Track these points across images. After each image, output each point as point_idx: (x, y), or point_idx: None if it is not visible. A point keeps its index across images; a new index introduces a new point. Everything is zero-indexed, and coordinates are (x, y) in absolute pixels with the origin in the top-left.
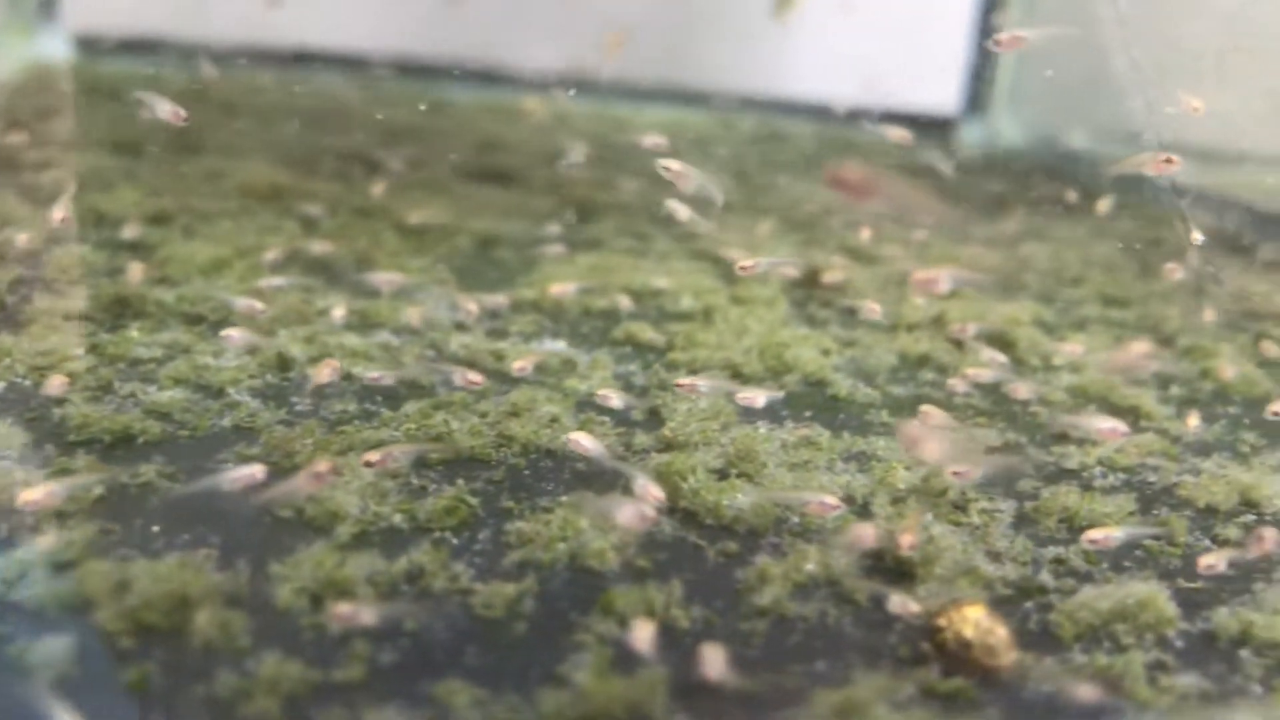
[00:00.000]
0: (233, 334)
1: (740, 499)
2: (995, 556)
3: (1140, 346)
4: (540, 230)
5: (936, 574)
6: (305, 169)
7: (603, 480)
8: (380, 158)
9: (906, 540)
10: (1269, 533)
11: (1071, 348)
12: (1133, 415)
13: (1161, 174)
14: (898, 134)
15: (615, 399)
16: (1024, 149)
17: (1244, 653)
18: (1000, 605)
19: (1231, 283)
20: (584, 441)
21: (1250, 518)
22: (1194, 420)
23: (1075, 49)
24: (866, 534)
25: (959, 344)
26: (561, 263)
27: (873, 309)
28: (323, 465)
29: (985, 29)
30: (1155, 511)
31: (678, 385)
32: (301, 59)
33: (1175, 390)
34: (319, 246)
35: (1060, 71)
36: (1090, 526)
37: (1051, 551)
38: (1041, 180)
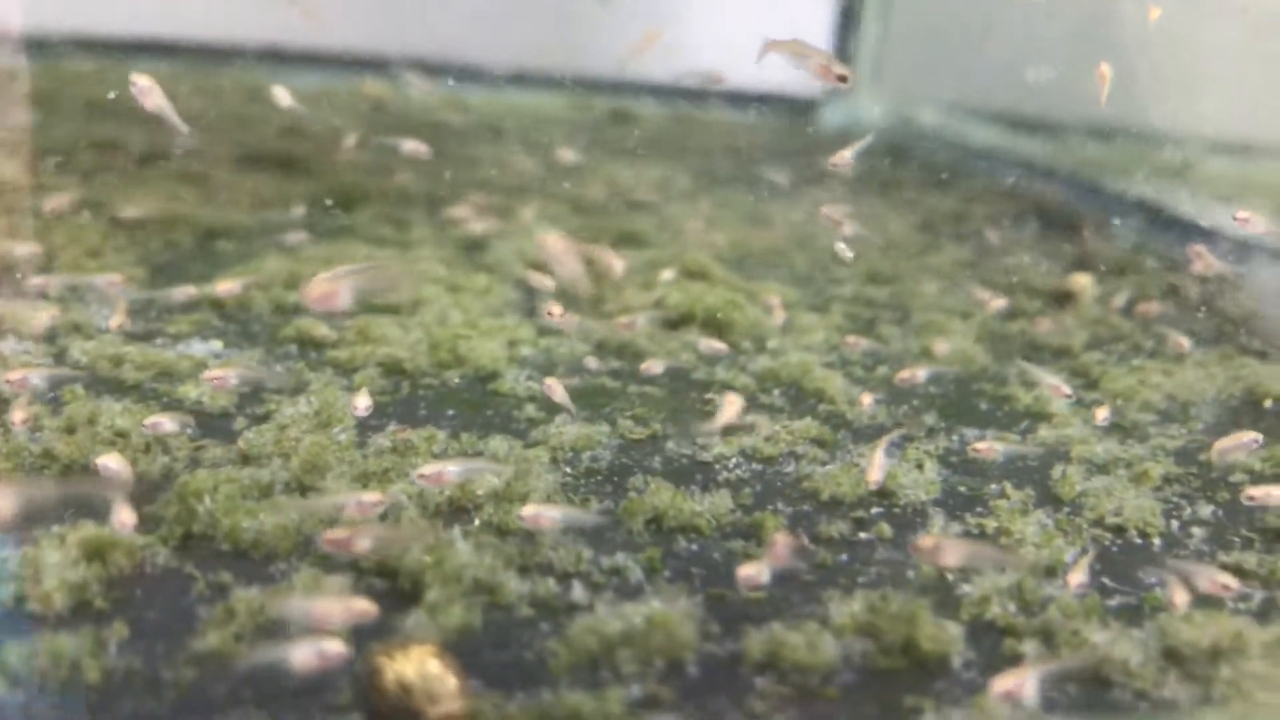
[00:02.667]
0: None
1: (264, 519)
2: (537, 570)
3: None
4: (287, 219)
5: (431, 599)
6: (59, 163)
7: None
8: (154, 147)
9: (330, 537)
10: (781, 538)
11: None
12: (816, 398)
13: (832, 83)
14: None
15: (167, 424)
16: (882, 128)
17: (761, 680)
18: (506, 630)
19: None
20: (111, 464)
21: (877, 510)
22: (867, 399)
23: (932, 30)
24: (333, 611)
25: (673, 327)
26: (288, 255)
27: (551, 311)
28: None
29: (847, 9)
30: (770, 506)
31: (208, 379)
32: (144, 48)
33: (881, 370)
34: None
35: (917, 51)
36: (681, 529)
37: (613, 561)
38: (882, 158)
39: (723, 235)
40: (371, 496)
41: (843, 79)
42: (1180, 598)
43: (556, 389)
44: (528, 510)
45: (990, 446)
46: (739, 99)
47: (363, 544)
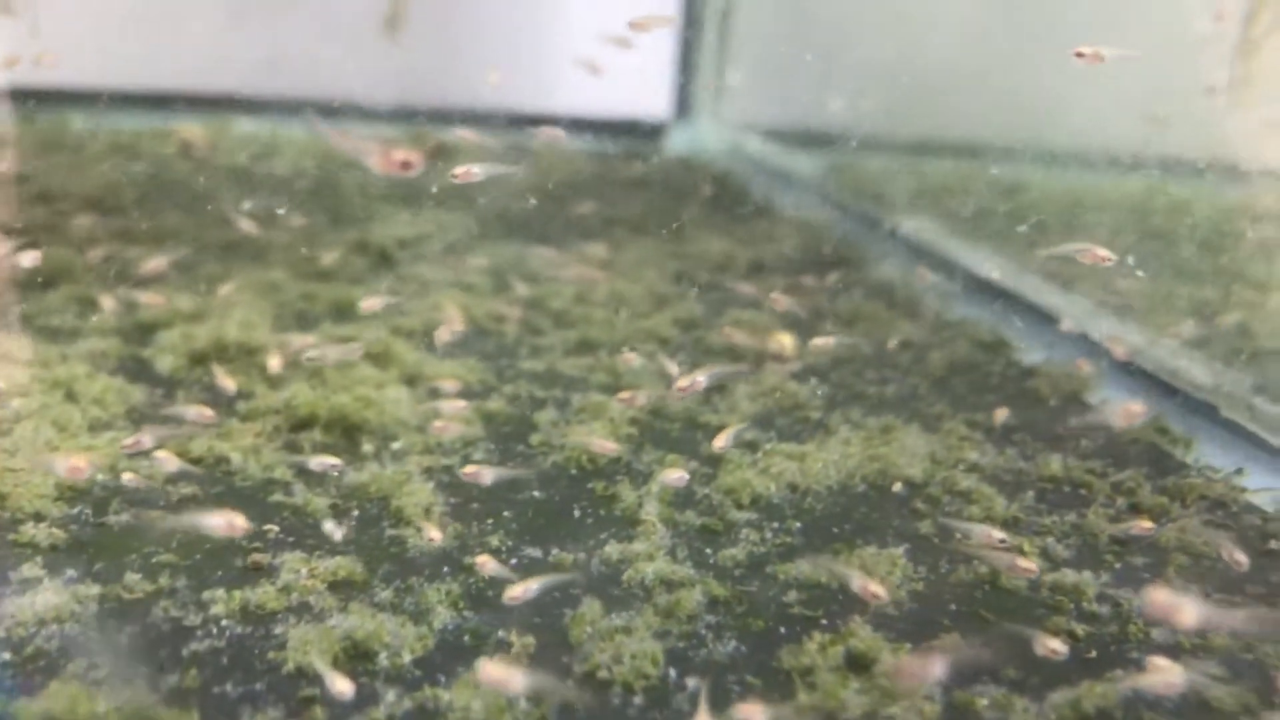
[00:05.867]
0: None
1: None
2: None
3: None
4: None
5: None
6: None
7: None
8: None
9: None
10: None
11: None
12: (393, 519)
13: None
14: None
15: None
16: (719, 154)
17: None
18: None
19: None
20: None
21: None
22: (437, 532)
23: (763, 53)
24: None
25: (295, 432)
26: None
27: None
28: None
29: (689, 33)
30: (217, 688)
31: None
32: None
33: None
34: None
35: (750, 75)
36: None
37: None
38: (699, 190)
39: (457, 303)
40: None
41: (406, 165)
42: None
43: None
44: None
45: (486, 560)
46: (584, 125)
47: None
